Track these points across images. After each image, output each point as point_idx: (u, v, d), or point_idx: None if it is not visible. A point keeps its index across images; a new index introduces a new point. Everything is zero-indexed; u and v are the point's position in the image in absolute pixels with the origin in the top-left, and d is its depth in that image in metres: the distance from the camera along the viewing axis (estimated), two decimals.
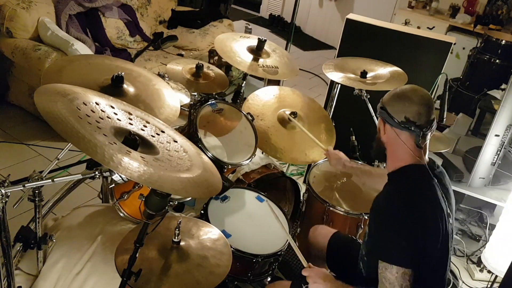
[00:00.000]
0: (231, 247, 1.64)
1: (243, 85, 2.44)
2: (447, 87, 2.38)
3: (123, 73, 1.64)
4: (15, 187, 1.28)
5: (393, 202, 1.40)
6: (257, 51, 2.34)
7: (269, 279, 1.92)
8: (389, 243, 1.38)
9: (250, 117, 2.15)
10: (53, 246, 1.79)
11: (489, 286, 2.50)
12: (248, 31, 4.61)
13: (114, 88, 1.63)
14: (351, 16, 2.98)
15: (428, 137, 1.45)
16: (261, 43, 2.33)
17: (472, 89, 3.89)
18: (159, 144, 1.27)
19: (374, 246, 1.44)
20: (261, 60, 2.32)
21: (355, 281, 1.51)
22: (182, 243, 1.50)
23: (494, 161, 2.69)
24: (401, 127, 1.43)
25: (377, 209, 1.43)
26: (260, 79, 4.34)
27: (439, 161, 2.70)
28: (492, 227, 2.67)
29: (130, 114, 1.33)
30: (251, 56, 2.31)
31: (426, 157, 1.48)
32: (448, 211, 1.44)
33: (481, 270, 2.67)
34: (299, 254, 1.61)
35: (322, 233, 1.96)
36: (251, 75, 2.77)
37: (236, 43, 2.34)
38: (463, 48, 4.51)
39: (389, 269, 1.34)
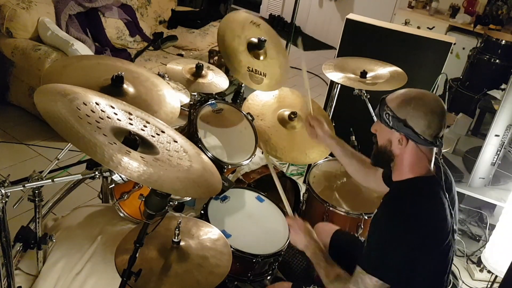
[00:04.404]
0: (231, 247, 1.64)
1: (243, 85, 2.44)
2: (447, 87, 2.38)
3: (123, 73, 1.64)
4: (15, 187, 1.28)
5: (395, 220, 1.35)
6: (255, 49, 2.26)
7: (269, 278, 1.92)
8: (380, 257, 1.36)
9: (250, 117, 2.15)
10: (53, 246, 1.79)
11: (489, 286, 2.50)
12: None
13: (114, 88, 1.63)
14: (351, 16, 2.98)
15: None
16: (261, 42, 2.32)
17: (472, 89, 3.88)
18: (159, 144, 1.27)
19: (366, 255, 1.41)
20: (254, 62, 2.18)
21: None
22: (182, 243, 1.50)
23: (494, 161, 2.69)
24: (428, 144, 1.36)
25: (378, 223, 1.41)
26: None
27: None
28: (492, 227, 2.67)
29: (130, 114, 1.33)
30: (247, 54, 2.18)
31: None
32: (455, 226, 1.41)
33: (481, 270, 2.67)
34: (286, 202, 1.75)
35: (325, 230, 1.95)
36: None
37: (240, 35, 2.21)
38: (463, 48, 4.51)
39: (369, 276, 1.34)
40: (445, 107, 1.39)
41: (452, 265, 1.52)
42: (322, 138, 1.87)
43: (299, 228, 1.63)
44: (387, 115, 1.38)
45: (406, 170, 1.41)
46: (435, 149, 1.41)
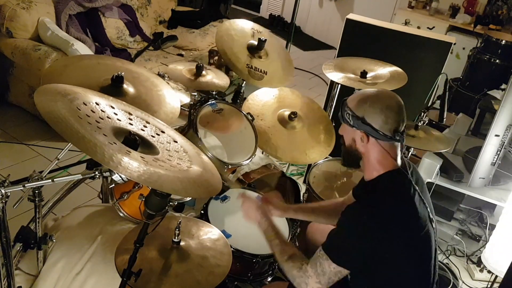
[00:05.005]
0: (231, 247, 1.64)
1: (243, 85, 2.44)
2: (447, 87, 2.37)
3: (123, 73, 1.64)
4: (15, 187, 1.28)
5: (363, 213, 1.38)
6: (256, 50, 2.32)
7: (269, 279, 1.92)
8: (342, 245, 1.38)
9: (250, 117, 2.15)
10: (53, 246, 1.79)
11: (489, 286, 2.50)
12: None
13: (114, 88, 1.63)
14: (351, 16, 2.98)
15: None
16: (261, 43, 2.33)
17: (472, 89, 3.89)
18: (159, 144, 1.27)
19: (329, 241, 1.41)
20: (254, 60, 2.27)
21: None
22: (182, 243, 1.51)
23: (494, 161, 2.69)
24: (388, 139, 1.40)
25: (346, 214, 1.43)
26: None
27: (439, 161, 2.70)
28: (492, 227, 2.67)
29: (130, 114, 1.33)
30: (246, 53, 2.26)
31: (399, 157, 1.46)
32: (431, 215, 1.42)
33: (481, 270, 2.67)
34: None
35: (319, 229, 1.96)
36: None
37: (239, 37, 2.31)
38: (463, 48, 4.51)
39: (329, 261, 1.36)
40: (402, 102, 1.43)
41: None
42: (280, 215, 1.85)
43: (252, 204, 1.65)
44: (347, 115, 1.44)
45: (374, 168, 1.45)
46: (398, 145, 1.44)
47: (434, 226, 1.45)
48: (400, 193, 1.42)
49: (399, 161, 1.45)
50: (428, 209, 1.43)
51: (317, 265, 1.38)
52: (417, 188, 1.42)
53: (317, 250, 1.41)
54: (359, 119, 1.41)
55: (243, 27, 2.37)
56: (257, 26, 2.42)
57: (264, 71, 2.26)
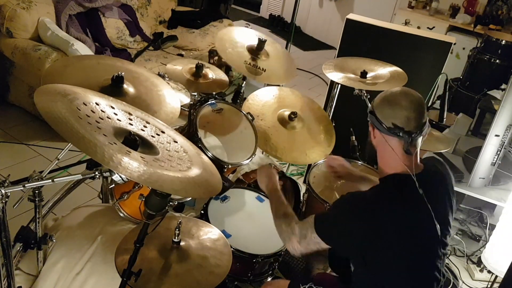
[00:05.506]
0: (231, 247, 1.65)
1: (243, 85, 2.44)
2: (447, 87, 2.38)
3: (123, 73, 1.64)
4: (15, 187, 1.28)
5: (357, 204, 1.41)
6: (255, 51, 2.32)
7: (269, 279, 1.93)
8: (330, 222, 1.43)
9: (250, 117, 2.15)
10: (53, 246, 1.80)
11: (489, 286, 2.50)
12: None
13: (114, 88, 1.63)
14: (351, 16, 2.98)
15: (419, 142, 1.43)
16: (261, 43, 2.33)
17: (472, 89, 3.89)
18: (159, 144, 1.27)
19: (321, 214, 1.46)
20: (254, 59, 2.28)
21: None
22: (182, 243, 1.51)
23: (494, 161, 2.69)
24: (389, 133, 1.40)
25: (344, 197, 1.46)
26: None
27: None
28: (492, 227, 2.67)
29: (130, 114, 1.33)
30: (247, 54, 2.27)
31: (418, 161, 1.45)
32: (436, 221, 1.40)
33: (481, 270, 2.67)
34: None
35: None
36: None
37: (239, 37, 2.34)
38: (463, 48, 4.51)
39: (312, 229, 1.41)
40: (418, 103, 1.41)
41: (447, 262, 1.51)
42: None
43: (266, 172, 1.77)
44: (369, 108, 1.50)
45: (384, 166, 1.48)
46: (403, 145, 1.41)
47: (438, 227, 1.41)
48: (397, 197, 1.41)
49: (417, 164, 1.44)
50: (433, 214, 1.40)
51: (302, 228, 1.45)
52: (421, 193, 1.38)
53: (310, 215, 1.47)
54: (371, 109, 1.46)
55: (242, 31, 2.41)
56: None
57: (263, 68, 2.26)
